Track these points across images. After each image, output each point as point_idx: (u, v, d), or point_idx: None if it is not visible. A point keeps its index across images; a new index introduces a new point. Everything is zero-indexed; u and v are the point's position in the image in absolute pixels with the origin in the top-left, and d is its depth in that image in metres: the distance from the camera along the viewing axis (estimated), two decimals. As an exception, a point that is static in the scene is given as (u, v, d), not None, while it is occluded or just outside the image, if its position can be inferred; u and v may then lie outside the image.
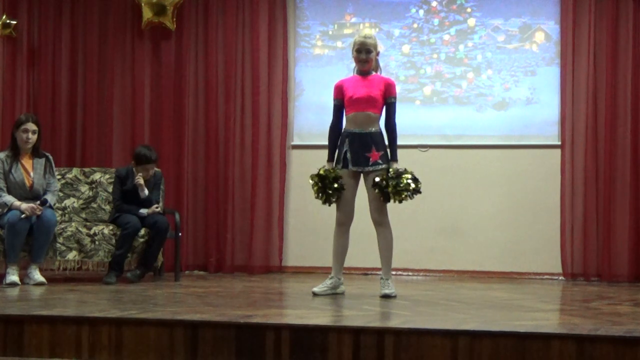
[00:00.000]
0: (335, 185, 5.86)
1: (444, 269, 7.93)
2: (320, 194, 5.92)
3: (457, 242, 7.96)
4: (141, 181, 7.00)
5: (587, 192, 7.62)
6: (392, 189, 5.76)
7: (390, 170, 5.83)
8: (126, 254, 6.88)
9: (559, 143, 7.80)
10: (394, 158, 5.91)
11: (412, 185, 5.77)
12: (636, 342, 4.03)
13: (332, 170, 5.92)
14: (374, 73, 6.01)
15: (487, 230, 7.92)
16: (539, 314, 5.03)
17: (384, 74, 6.20)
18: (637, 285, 7.20)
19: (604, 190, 7.57)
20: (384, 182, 5.78)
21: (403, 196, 5.77)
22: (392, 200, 5.83)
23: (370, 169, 5.86)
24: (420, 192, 5.89)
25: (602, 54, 7.64)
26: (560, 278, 7.69)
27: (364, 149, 5.87)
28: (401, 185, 5.75)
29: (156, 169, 7.33)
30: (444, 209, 7.99)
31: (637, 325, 4.48)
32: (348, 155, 5.91)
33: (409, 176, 5.80)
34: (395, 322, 4.58)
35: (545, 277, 7.76)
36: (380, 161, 5.86)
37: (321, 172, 5.92)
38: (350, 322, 4.54)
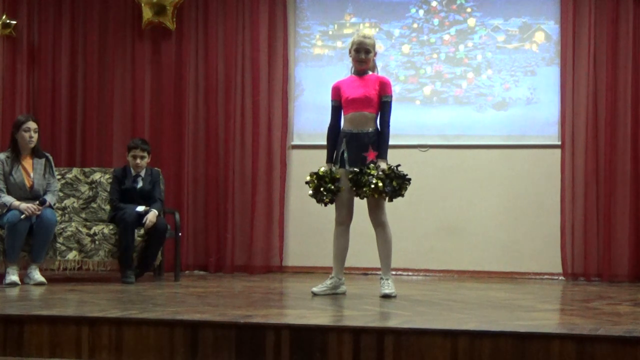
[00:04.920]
0: (331, 187, 5.85)
1: (444, 269, 7.93)
2: (314, 193, 5.91)
3: (457, 242, 7.95)
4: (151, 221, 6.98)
5: (587, 192, 7.62)
6: (352, 184, 5.74)
7: (370, 165, 5.79)
8: (132, 245, 6.84)
9: (559, 143, 7.79)
10: (382, 156, 5.85)
11: (374, 182, 5.66)
12: (636, 342, 4.03)
13: (330, 172, 5.91)
14: (370, 73, 6.01)
15: (487, 230, 7.92)
16: (539, 314, 5.03)
17: (382, 74, 6.19)
18: (637, 285, 7.20)
19: (604, 190, 7.57)
20: (351, 179, 5.76)
21: (366, 191, 5.69)
22: (361, 196, 5.76)
23: (356, 168, 5.85)
24: (405, 189, 5.80)
25: (602, 54, 7.64)
26: (560, 278, 7.69)
27: (361, 149, 5.87)
28: (361, 180, 5.72)
29: (155, 167, 7.40)
30: (444, 209, 7.99)
31: (637, 325, 4.48)
32: (345, 155, 5.90)
33: (374, 172, 5.68)
34: (395, 322, 4.58)
35: (545, 277, 7.76)
36: (376, 160, 5.86)
37: (320, 171, 5.92)
38: (350, 322, 4.54)
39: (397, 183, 5.76)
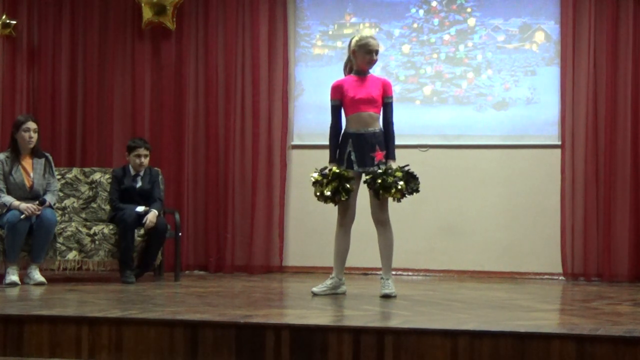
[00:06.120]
0: (348, 186, 5.84)
1: (444, 269, 7.93)
2: (334, 192, 5.79)
3: (457, 242, 7.95)
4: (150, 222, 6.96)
5: (587, 192, 7.62)
6: (379, 185, 5.75)
7: (382, 168, 5.81)
8: (132, 245, 6.85)
9: (559, 143, 7.79)
10: (391, 157, 5.91)
11: (400, 184, 5.74)
12: (636, 342, 4.03)
13: (346, 171, 5.87)
14: (370, 73, 6.02)
15: (487, 230, 7.92)
16: (539, 314, 5.03)
17: (382, 74, 6.20)
18: (637, 285, 7.20)
19: (604, 190, 7.57)
20: (372, 180, 5.77)
21: (392, 192, 5.74)
22: (381, 197, 5.79)
23: (376, 168, 5.86)
24: (417, 191, 5.88)
25: (602, 54, 7.64)
26: (560, 278, 7.69)
27: (369, 149, 5.87)
28: (388, 182, 5.74)
29: (155, 167, 7.41)
30: (444, 209, 7.99)
31: (637, 325, 4.48)
32: (353, 156, 5.89)
33: (400, 174, 5.77)
34: (395, 322, 4.59)
35: (545, 277, 7.75)
36: (384, 160, 5.87)
37: (335, 170, 5.86)
38: (350, 322, 4.54)
39: (414, 184, 5.83)
